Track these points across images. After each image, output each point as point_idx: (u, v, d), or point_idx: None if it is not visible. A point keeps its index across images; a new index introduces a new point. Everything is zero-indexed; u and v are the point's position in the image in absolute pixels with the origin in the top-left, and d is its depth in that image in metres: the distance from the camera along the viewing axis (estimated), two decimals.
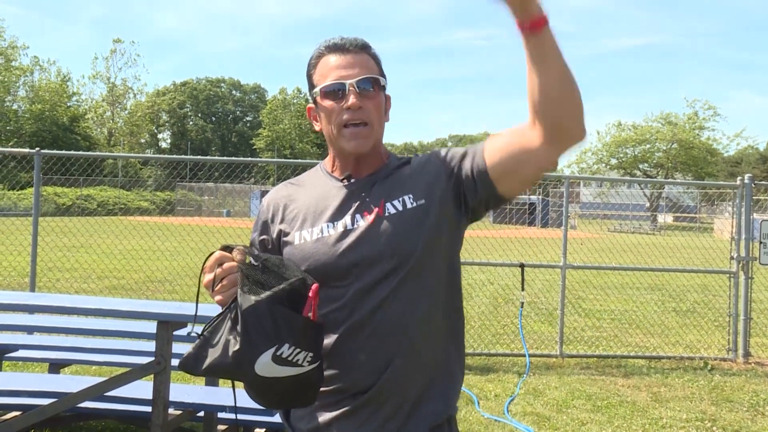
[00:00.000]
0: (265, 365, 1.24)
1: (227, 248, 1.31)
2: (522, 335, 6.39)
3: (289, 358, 1.25)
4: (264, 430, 3.81)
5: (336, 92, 1.43)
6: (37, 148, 6.40)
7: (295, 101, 70.19)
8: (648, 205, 42.66)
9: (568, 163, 51.53)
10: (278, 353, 1.24)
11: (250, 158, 7.57)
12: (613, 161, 49.12)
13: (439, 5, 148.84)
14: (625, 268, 7.80)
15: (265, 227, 1.55)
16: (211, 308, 3.67)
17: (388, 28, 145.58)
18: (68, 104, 52.17)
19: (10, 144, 43.52)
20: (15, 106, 49.44)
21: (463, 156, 1.44)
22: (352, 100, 1.41)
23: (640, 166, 49.44)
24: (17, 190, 31.19)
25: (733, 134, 46.18)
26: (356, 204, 1.45)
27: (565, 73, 1.25)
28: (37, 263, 6.40)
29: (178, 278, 10.71)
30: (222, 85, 78.64)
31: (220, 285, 1.29)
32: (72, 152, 7.22)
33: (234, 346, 1.24)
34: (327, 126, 1.47)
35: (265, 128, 68.42)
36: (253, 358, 1.24)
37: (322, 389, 1.38)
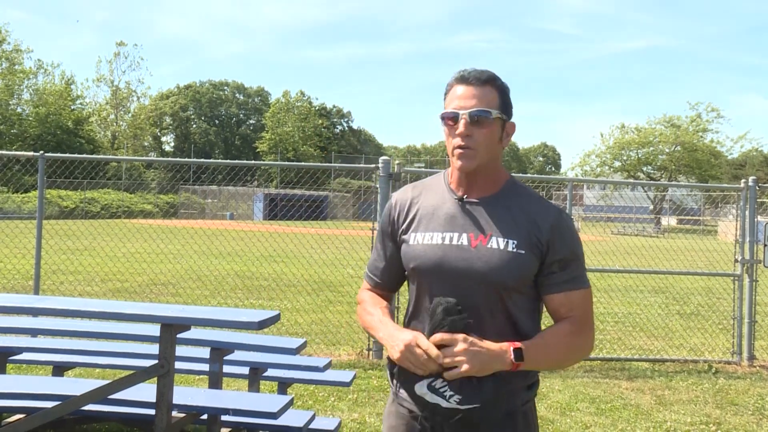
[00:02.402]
0: (421, 388, 1.66)
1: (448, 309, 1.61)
2: None
3: (439, 390, 1.64)
4: None
5: (453, 119, 1.69)
6: (41, 152, 6.42)
7: (298, 104, 70.32)
8: (651, 207, 42.60)
9: (571, 165, 51.58)
10: (432, 384, 1.64)
11: (253, 161, 7.56)
12: (617, 164, 49.09)
13: (443, 9, 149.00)
14: (628, 271, 7.79)
15: (391, 222, 1.83)
16: (214, 311, 3.67)
17: (391, 32, 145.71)
18: (72, 107, 52.31)
19: (14, 147, 43.68)
20: (19, 110, 49.60)
21: (552, 270, 1.70)
22: (461, 128, 1.67)
23: (644, 169, 49.39)
24: (21, 193, 31.30)
25: (737, 137, 46.14)
26: (467, 224, 1.70)
27: (556, 366, 1.79)
28: (41, 266, 6.42)
29: (181, 281, 10.72)
30: (225, 88, 78.82)
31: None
32: (76, 155, 7.25)
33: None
34: (447, 143, 1.74)
35: (268, 131, 68.54)
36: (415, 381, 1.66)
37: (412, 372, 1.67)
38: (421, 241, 1.72)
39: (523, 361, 1.59)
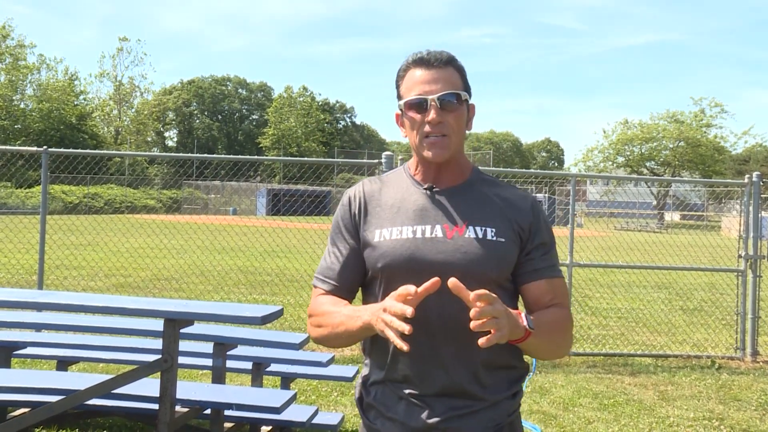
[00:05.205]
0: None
1: None
2: None
3: None
4: (270, 428, 3.82)
5: (419, 105, 1.54)
6: (45, 147, 6.43)
7: (300, 99, 70.24)
8: (655, 203, 42.51)
9: (574, 161, 51.45)
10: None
11: (256, 156, 7.57)
12: (620, 159, 48.97)
13: (445, 3, 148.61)
14: (631, 267, 7.77)
15: (351, 217, 1.62)
16: (217, 306, 3.68)
17: (394, 27, 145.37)
18: (75, 103, 52.32)
19: (18, 142, 43.71)
20: (22, 105, 49.64)
21: (532, 256, 1.58)
22: (432, 115, 1.52)
23: (647, 164, 49.26)
24: (25, 189, 31.34)
25: (741, 132, 45.92)
26: (438, 215, 1.56)
27: (551, 352, 1.59)
28: (44, 261, 6.43)
29: (185, 276, 10.74)
30: (228, 83, 78.73)
31: None
32: (79, 150, 7.25)
33: None
34: (411, 134, 1.59)
35: (271, 126, 68.50)
36: None
37: (395, 382, 1.55)
38: (389, 237, 1.53)
39: (533, 329, 1.43)
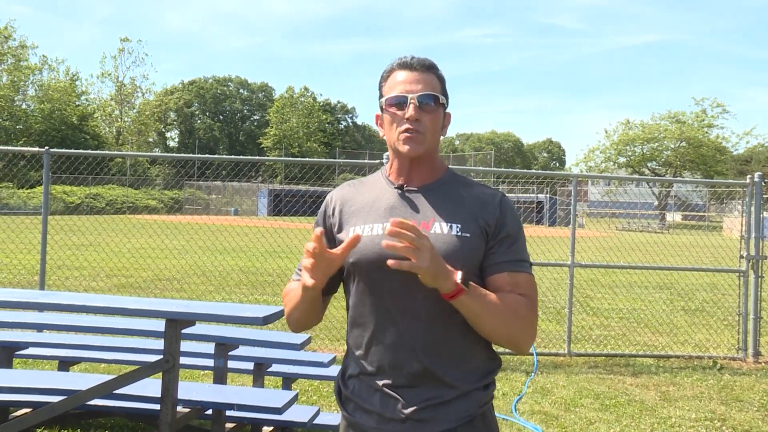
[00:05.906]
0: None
1: None
2: None
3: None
4: (272, 428, 3.82)
5: (399, 104, 1.63)
6: (46, 147, 6.44)
7: (302, 99, 70.27)
8: (656, 203, 42.48)
9: (576, 161, 51.41)
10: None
11: (257, 157, 7.59)
12: (621, 159, 48.92)
13: (446, 3, 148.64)
14: (633, 267, 7.76)
15: (324, 219, 1.75)
16: (219, 306, 3.68)
17: (396, 26, 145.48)
18: (77, 103, 52.38)
19: (19, 143, 43.78)
20: (24, 106, 49.70)
21: (494, 250, 1.61)
22: (411, 111, 1.61)
23: (649, 165, 49.20)
24: (27, 189, 31.39)
25: (743, 132, 45.88)
26: (406, 211, 1.64)
27: (499, 330, 1.55)
28: (46, 261, 6.44)
29: (186, 276, 10.74)
30: (229, 83, 78.81)
31: None
32: (81, 151, 7.25)
33: None
34: (389, 130, 1.66)
35: (272, 127, 68.55)
36: None
37: (370, 375, 1.60)
38: (360, 233, 1.61)
39: (467, 288, 1.46)
